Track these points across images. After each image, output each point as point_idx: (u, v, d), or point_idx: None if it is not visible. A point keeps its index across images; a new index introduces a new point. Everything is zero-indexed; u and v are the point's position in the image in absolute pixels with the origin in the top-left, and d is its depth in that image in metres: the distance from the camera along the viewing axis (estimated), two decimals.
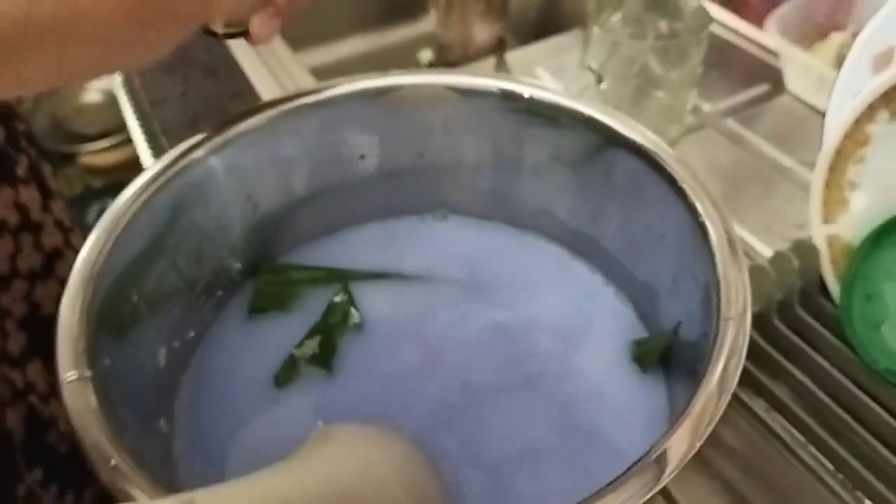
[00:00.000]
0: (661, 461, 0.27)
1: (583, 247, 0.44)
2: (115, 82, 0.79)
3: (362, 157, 0.44)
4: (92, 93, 1.56)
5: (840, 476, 0.40)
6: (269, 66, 0.76)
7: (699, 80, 0.57)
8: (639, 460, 0.27)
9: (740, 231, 0.54)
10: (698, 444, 0.27)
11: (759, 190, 0.57)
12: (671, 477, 0.26)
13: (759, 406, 0.43)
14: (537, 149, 0.42)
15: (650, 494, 0.26)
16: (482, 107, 0.42)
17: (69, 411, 0.29)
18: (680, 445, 0.27)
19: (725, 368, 0.29)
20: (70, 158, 1.51)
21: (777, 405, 0.42)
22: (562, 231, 0.45)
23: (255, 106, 0.40)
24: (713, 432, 0.43)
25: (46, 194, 0.42)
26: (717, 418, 0.28)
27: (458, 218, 0.47)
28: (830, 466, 0.40)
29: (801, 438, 0.41)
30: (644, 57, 0.54)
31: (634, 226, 0.40)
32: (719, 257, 0.33)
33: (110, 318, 0.34)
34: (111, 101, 1.47)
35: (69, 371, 0.29)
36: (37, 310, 0.38)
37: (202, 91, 0.76)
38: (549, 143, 0.41)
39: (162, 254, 0.38)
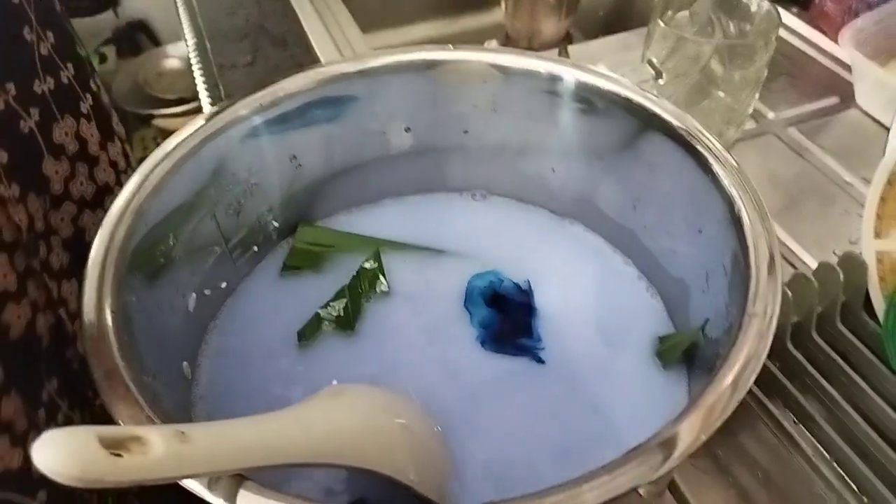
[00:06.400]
0: (667, 447, 0.26)
1: (620, 238, 0.44)
2: (191, 49, 0.81)
3: (407, 129, 0.44)
4: (172, 60, 1.61)
5: (865, 499, 0.38)
6: (336, 43, 0.77)
7: (764, 84, 0.55)
8: (642, 444, 0.26)
9: (791, 242, 0.52)
10: (704, 437, 0.26)
11: (816, 203, 0.55)
12: (673, 466, 0.26)
13: (786, 418, 0.41)
14: (580, 134, 0.42)
15: (650, 478, 0.25)
16: (527, 88, 0.41)
17: (86, 339, 0.29)
18: (686, 435, 0.26)
19: (744, 365, 0.28)
20: (146, 120, 1.56)
21: (805, 419, 0.41)
22: (600, 221, 0.44)
23: (304, 69, 0.41)
24: (735, 439, 0.42)
25: (107, 135, 0.44)
26: (730, 412, 0.27)
27: (498, 199, 0.47)
28: (854, 486, 0.39)
29: (827, 455, 0.40)
30: (708, 56, 0.53)
31: (673, 218, 0.39)
32: (753, 252, 0.32)
33: (144, 256, 0.35)
34: (189, 68, 1.51)
35: (93, 301, 0.30)
36: (81, 234, 0.40)
37: (269, 61, 0.77)
38: (592, 128, 0.41)
39: (203, 202, 0.39)
